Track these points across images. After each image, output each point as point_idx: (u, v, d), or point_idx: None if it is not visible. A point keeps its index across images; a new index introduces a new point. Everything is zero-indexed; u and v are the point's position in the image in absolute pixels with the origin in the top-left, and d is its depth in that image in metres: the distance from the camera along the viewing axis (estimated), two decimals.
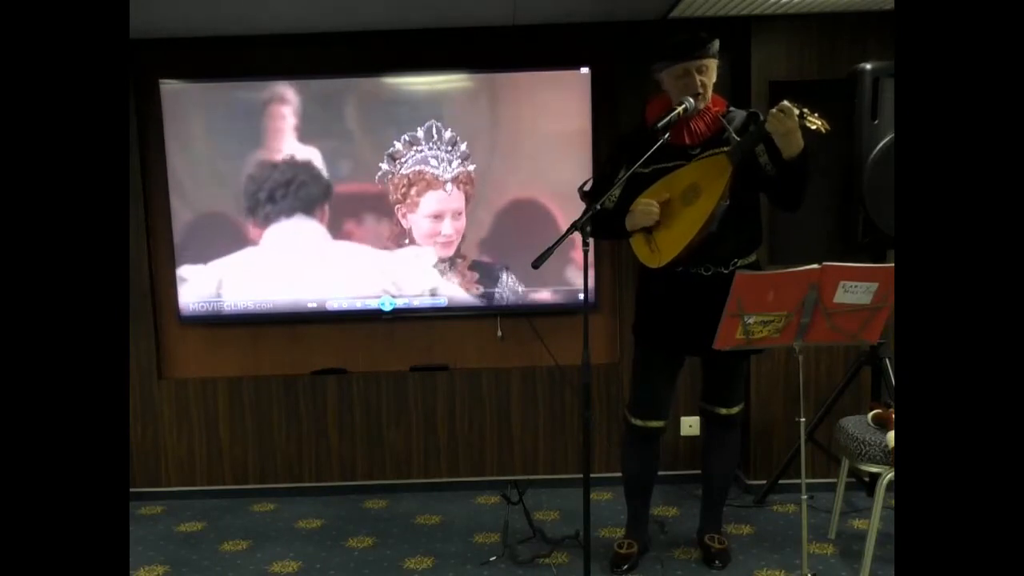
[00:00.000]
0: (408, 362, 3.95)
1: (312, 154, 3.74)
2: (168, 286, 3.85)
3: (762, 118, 2.65)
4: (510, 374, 3.92)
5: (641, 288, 3.00)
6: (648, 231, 2.81)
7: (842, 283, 2.48)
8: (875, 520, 2.84)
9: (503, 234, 3.79)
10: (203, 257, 3.78)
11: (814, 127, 2.54)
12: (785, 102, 2.56)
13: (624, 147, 2.88)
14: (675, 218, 2.76)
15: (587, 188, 2.92)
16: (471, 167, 3.75)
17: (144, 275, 3.84)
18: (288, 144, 3.73)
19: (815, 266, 2.46)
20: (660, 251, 2.79)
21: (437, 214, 3.78)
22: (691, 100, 2.71)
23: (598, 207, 2.66)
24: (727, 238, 2.76)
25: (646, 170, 2.76)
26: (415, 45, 3.73)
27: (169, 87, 3.69)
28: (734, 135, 2.71)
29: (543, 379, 3.91)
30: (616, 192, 2.81)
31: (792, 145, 2.59)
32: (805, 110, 2.54)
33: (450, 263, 3.80)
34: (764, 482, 3.67)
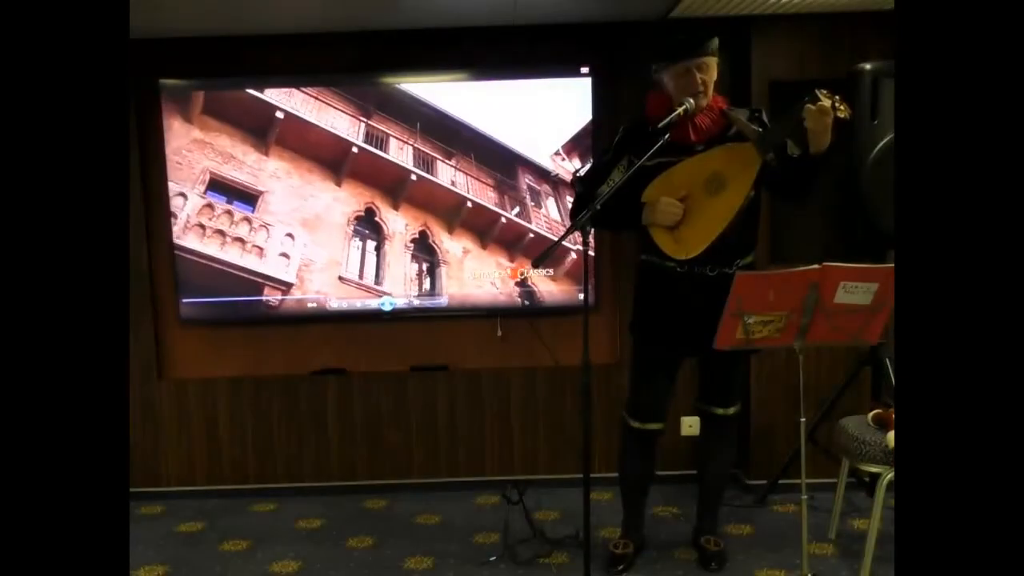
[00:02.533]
0: (408, 362, 3.95)
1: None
2: (168, 286, 3.85)
3: (788, 113, 2.59)
4: (510, 374, 3.91)
5: (640, 287, 2.99)
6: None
7: (842, 283, 2.48)
8: (875, 520, 2.84)
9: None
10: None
11: (843, 116, 2.51)
12: (822, 101, 2.48)
13: (627, 139, 2.86)
14: (700, 209, 2.72)
15: (581, 173, 2.90)
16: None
17: (144, 275, 3.84)
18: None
19: (815, 266, 2.46)
20: (687, 243, 2.75)
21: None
22: (691, 101, 2.70)
23: (598, 207, 2.64)
24: (732, 237, 2.75)
25: (649, 163, 2.72)
26: (415, 45, 3.73)
27: (169, 87, 3.69)
28: (753, 127, 2.67)
29: (543, 379, 3.91)
30: (614, 180, 2.77)
31: (823, 140, 2.56)
32: (836, 99, 2.50)
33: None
34: (764, 482, 3.67)
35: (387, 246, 3.79)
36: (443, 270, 3.80)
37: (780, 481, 3.61)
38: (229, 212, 3.76)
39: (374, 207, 3.78)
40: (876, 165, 3.11)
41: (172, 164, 3.72)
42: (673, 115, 2.67)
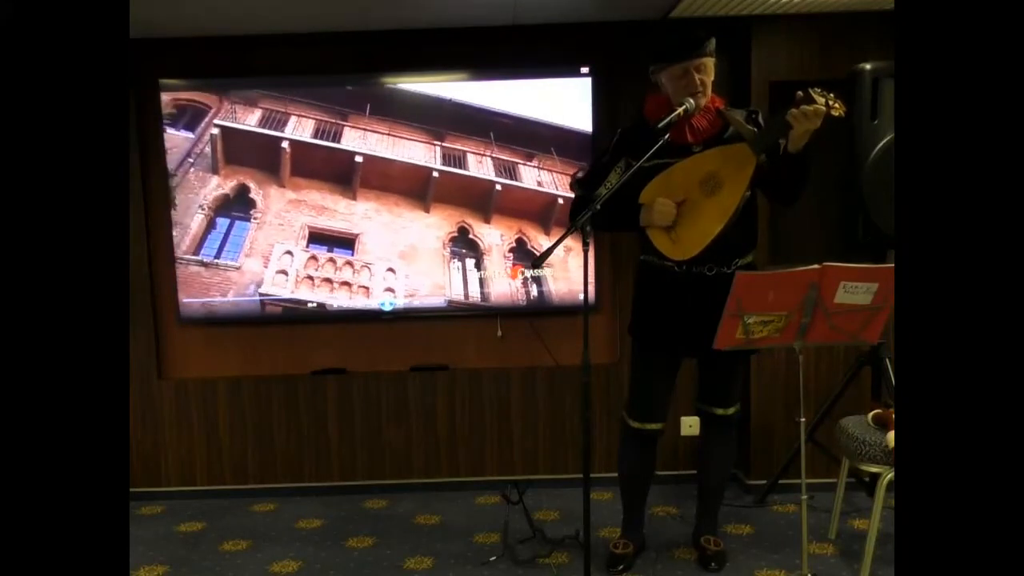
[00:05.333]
0: (408, 362, 3.96)
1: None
2: (168, 286, 3.85)
3: (782, 113, 2.59)
4: (510, 374, 3.91)
5: (639, 288, 2.99)
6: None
7: (842, 283, 2.48)
8: (875, 520, 2.84)
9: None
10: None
11: (837, 114, 2.52)
12: (816, 102, 2.50)
13: (624, 141, 2.87)
14: (697, 210, 2.72)
15: (580, 176, 2.90)
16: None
17: (144, 275, 3.84)
18: None
19: (815, 266, 2.46)
20: (684, 243, 2.75)
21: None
22: (691, 101, 2.70)
23: (598, 207, 2.65)
24: (730, 237, 2.75)
25: (647, 164, 2.72)
26: (415, 45, 3.74)
27: (169, 87, 3.70)
28: (749, 127, 2.68)
29: (543, 379, 3.91)
30: (612, 182, 2.77)
31: (801, 141, 2.58)
32: (830, 97, 2.51)
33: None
34: (764, 482, 3.67)
35: (487, 260, 3.80)
36: (548, 272, 3.81)
37: (780, 481, 3.61)
38: (332, 260, 3.81)
39: (466, 225, 3.80)
40: (876, 165, 3.11)
41: (274, 226, 3.77)
42: (673, 115, 2.67)
